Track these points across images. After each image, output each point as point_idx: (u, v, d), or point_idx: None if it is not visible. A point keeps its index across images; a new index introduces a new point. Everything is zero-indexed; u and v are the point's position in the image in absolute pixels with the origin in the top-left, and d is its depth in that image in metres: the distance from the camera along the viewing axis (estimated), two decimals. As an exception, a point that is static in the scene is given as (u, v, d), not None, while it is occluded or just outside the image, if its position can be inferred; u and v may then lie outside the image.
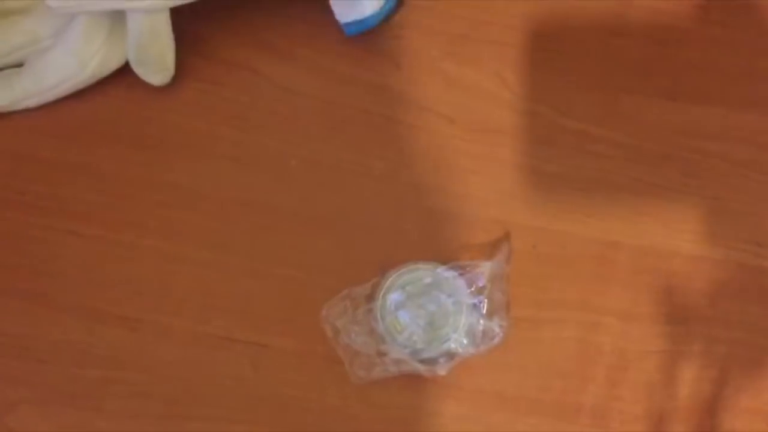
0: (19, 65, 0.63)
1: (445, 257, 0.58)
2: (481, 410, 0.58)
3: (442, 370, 0.56)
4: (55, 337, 0.59)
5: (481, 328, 0.57)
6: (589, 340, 0.59)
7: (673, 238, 0.60)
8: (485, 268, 0.57)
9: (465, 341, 0.57)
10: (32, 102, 0.63)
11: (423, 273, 0.58)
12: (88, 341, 0.59)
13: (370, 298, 0.58)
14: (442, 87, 0.64)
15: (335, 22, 0.63)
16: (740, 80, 0.63)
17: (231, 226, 0.61)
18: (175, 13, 0.61)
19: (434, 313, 0.57)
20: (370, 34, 0.64)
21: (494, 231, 0.60)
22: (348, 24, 0.62)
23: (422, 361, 0.56)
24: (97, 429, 0.58)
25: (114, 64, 0.62)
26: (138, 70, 0.62)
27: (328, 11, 0.63)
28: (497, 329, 0.57)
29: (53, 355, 0.59)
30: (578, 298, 0.59)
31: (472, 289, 0.58)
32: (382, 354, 0.57)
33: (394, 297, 0.57)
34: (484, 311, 0.57)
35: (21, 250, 0.61)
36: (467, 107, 0.63)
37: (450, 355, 0.57)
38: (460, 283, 0.57)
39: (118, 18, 0.60)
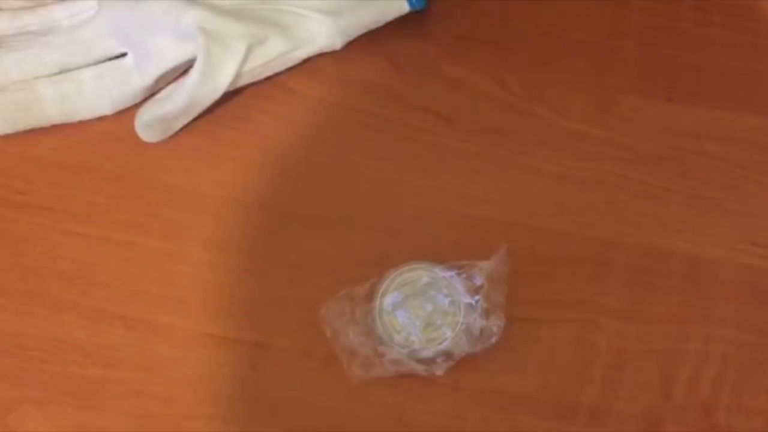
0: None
1: (442, 257, 0.59)
2: (478, 410, 0.58)
3: (439, 370, 0.56)
4: (55, 337, 0.59)
5: (478, 328, 0.57)
6: (587, 340, 0.59)
7: (671, 238, 0.61)
8: (483, 268, 0.58)
9: (462, 341, 0.57)
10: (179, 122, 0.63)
11: (421, 273, 0.58)
12: (88, 341, 0.59)
13: (369, 298, 0.58)
14: (441, 87, 0.64)
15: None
16: (738, 81, 0.63)
17: (231, 226, 0.61)
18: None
19: (432, 313, 0.57)
20: (369, 35, 0.64)
21: (492, 231, 0.61)
22: None
23: (420, 361, 0.56)
24: (97, 429, 0.58)
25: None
26: (178, 122, 0.62)
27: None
28: (495, 329, 0.57)
29: (53, 354, 0.59)
30: (576, 298, 0.60)
31: (470, 289, 0.58)
32: (380, 354, 0.57)
33: (392, 297, 0.57)
34: (482, 311, 0.57)
35: (21, 250, 0.61)
36: (466, 108, 0.63)
37: (448, 355, 0.57)
38: (458, 283, 0.57)
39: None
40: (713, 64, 0.64)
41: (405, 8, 0.63)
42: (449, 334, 0.57)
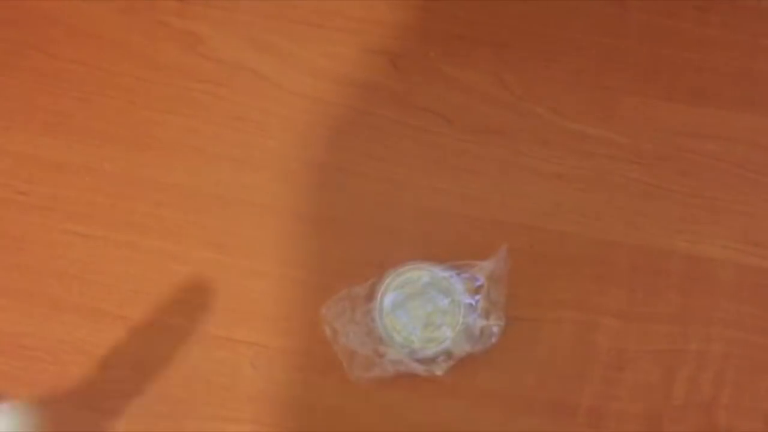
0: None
1: (443, 257, 0.59)
2: (478, 409, 0.58)
3: (439, 370, 0.56)
4: (55, 337, 0.59)
5: (478, 328, 0.57)
6: (587, 340, 0.59)
7: (671, 237, 0.61)
8: (483, 268, 0.58)
9: (462, 341, 0.57)
10: None
11: (421, 273, 0.58)
12: (88, 341, 0.59)
13: (369, 298, 0.58)
14: (441, 87, 0.64)
15: (335, 23, 0.63)
16: (737, 81, 0.63)
17: (231, 226, 0.61)
18: (177, 13, 0.61)
19: (432, 313, 0.57)
20: (369, 35, 0.64)
21: (492, 231, 0.61)
22: None
23: (420, 361, 0.56)
24: (97, 428, 0.58)
25: None
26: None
27: (329, 13, 0.63)
28: (495, 329, 0.57)
29: (53, 354, 0.59)
30: (576, 298, 0.60)
31: (470, 289, 0.58)
32: (380, 354, 0.57)
33: (392, 297, 0.57)
34: (482, 311, 0.57)
35: (21, 250, 0.61)
36: (466, 108, 0.63)
37: (448, 355, 0.57)
38: (458, 282, 0.57)
39: None
40: (713, 64, 0.64)
41: None
42: (449, 334, 0.57)
